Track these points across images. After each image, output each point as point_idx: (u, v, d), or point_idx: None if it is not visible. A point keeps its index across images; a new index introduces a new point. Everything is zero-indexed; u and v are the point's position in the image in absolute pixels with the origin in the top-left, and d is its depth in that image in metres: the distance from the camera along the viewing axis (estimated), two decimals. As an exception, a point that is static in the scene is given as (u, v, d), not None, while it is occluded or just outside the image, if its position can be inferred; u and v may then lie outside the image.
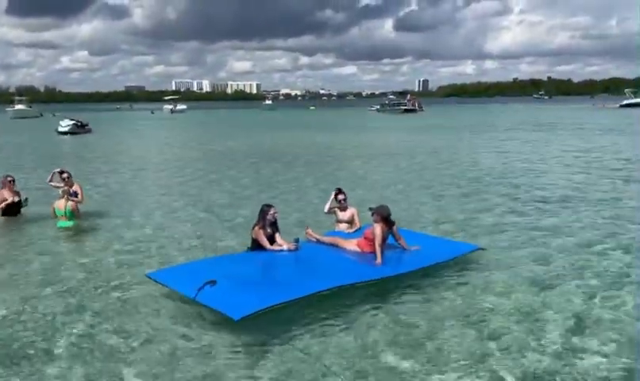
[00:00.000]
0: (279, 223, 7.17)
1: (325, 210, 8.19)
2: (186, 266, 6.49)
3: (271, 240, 6.87)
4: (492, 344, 4.61)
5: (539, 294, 5.77)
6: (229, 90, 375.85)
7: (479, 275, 6.36)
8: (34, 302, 5.76)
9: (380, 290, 5.81)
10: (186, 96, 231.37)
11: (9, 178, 9.91)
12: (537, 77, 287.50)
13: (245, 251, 6.98)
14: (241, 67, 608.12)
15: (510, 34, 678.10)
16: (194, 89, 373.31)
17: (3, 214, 9.65)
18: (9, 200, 9.68)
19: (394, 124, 48.43)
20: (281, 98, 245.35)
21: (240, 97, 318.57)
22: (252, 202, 10.96)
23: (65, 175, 9.88)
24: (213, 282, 5.26)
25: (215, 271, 5.68)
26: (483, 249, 7.12)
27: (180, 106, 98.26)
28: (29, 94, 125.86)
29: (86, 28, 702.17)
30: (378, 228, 6.49)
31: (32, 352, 4.62)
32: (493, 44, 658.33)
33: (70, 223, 9.03)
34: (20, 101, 78.10)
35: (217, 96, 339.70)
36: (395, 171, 16.50)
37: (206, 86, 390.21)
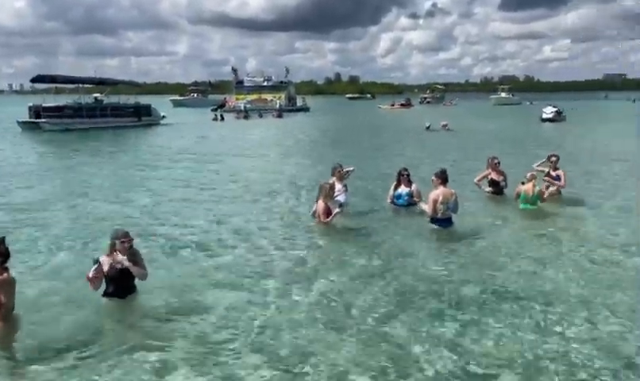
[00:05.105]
0: None
1: None
2: None
3: None
4: None
5: None
6: None
7: None
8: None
9: None
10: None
11: (495, 161, 11.05)
12: None
13: None
14: None
15: None
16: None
17: (490, 192, 11.00)
18: (493, 178, 10.94)
19: None
20: None
21: None
22: None
23: (553, 159, 10.70)
24: None
25: None
26: None
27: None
28: (511, 83, 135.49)
29: (572, 15, 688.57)
30: None
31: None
32: None
33: (533, 206, 9.64)
34: (503, 90, 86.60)
35: None
36: None
37: None
